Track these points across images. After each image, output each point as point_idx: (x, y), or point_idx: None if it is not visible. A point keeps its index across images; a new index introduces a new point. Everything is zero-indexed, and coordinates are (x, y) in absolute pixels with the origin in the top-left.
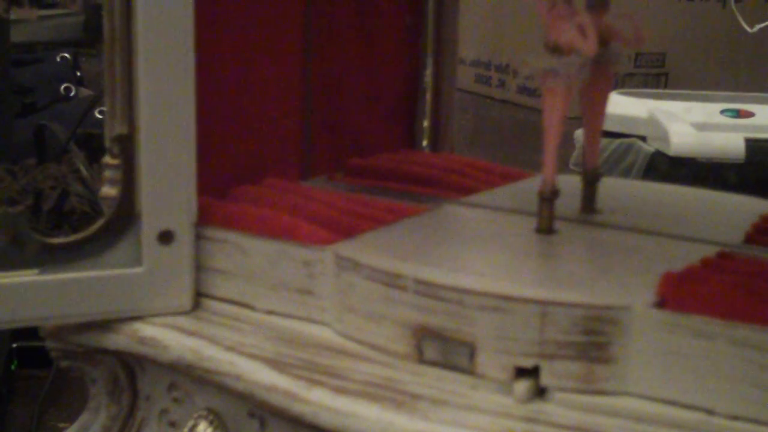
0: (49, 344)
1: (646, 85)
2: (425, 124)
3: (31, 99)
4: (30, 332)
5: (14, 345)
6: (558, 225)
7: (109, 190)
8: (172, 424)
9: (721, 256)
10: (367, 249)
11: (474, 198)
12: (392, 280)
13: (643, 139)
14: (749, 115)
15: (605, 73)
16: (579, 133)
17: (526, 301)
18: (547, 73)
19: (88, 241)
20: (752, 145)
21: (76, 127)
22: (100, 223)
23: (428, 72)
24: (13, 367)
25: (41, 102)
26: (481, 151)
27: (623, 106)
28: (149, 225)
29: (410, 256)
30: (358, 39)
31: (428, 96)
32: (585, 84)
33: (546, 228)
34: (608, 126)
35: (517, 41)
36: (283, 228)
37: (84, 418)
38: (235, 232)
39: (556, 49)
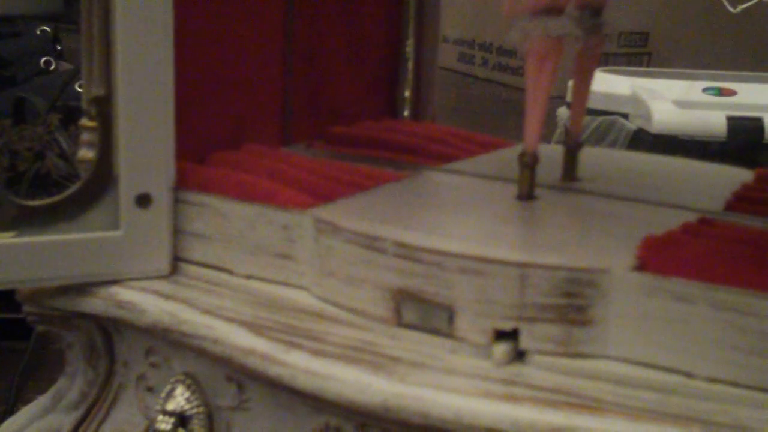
0: (26, 308)
1: (629, 65)
2: (406, 94)
3: (10, 72)
4: (8, 304)
5: None
6: (538, 191)
7: (86, 153)
8: (150, 389)
9: (702, 222)
10: (347, 213)
11: (454, 165)
12: (371, 243)
13: (626, 116)
14: (731, 93)
15: (595, 39)
16: (562, 111)
17: (506, 263)
18: (535, 36)
19: (65, 203)
20: (734, 122)
21: (55, 100)
22: (77, 185)
23: (410, 42)
24: None
25: (20, 75)
26: (462, 127)
27: (606, 84)
28: (127, 188)
29: (390, 219)
30: (340, 6)
31: (410, 66)
32: (577, 51)
33: (526, 194)
34: (590, 103)
35: (501, 20)
36: (262, 192)
37: (61, 383)
38: (213, 196)
39: (546, 11)
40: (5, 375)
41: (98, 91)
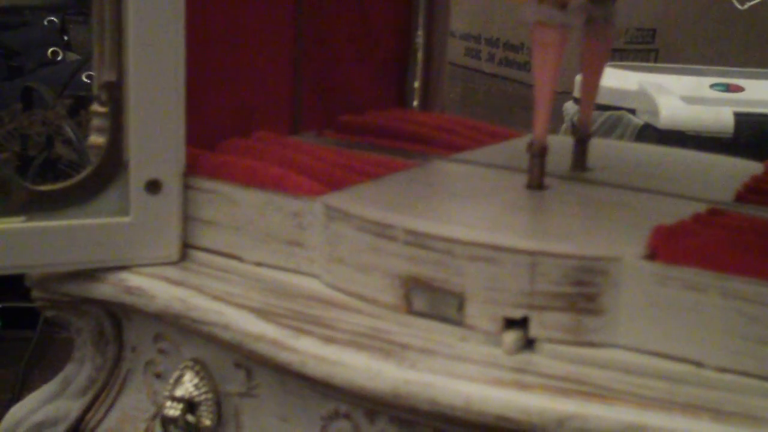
0: (35, 294)
1: (636, 61)
2: (416, 84)
3: (18, 62)
4: (15, 293)
5: None
6: (549, 181)
7: (96, 139)
8: (158, 376)
9: (712, 212)
10: (357, 200)
11: (464, 154)
12: (382, 231)
13: (633, 111)
14: (739, 89)
15: (606, 29)
16: (568, 106)
17: (516, 251)
18: (540, 24)
19: (75, 189)
20: (741, 119)
21: (63, 89)
22: (87, 171)
23: (420, 33)
24: None
25: (28, 65)
26: None
27: (613, 79)
28: (137, 174)
29: (400, 207)
30: None
31: (419, 56)
32: (586, 40)
33: (536, 183)
34: (598, 98)
35: (508, 15)
36: (272, 179)
37: (69, 369)
38: (223, 183)
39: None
40: (11, 364)
41: (109, 76)
